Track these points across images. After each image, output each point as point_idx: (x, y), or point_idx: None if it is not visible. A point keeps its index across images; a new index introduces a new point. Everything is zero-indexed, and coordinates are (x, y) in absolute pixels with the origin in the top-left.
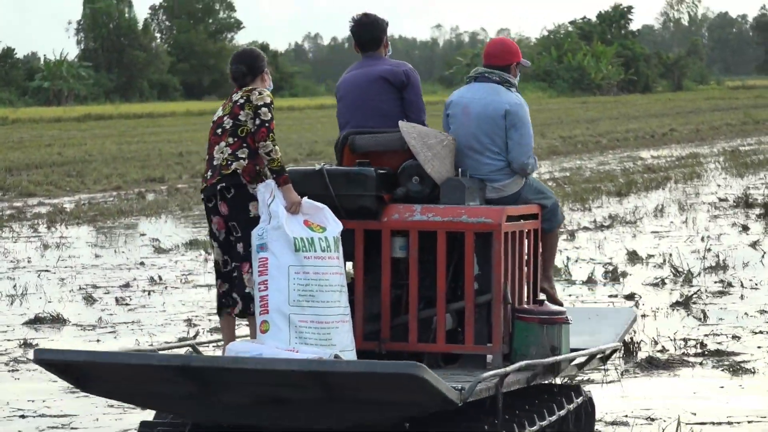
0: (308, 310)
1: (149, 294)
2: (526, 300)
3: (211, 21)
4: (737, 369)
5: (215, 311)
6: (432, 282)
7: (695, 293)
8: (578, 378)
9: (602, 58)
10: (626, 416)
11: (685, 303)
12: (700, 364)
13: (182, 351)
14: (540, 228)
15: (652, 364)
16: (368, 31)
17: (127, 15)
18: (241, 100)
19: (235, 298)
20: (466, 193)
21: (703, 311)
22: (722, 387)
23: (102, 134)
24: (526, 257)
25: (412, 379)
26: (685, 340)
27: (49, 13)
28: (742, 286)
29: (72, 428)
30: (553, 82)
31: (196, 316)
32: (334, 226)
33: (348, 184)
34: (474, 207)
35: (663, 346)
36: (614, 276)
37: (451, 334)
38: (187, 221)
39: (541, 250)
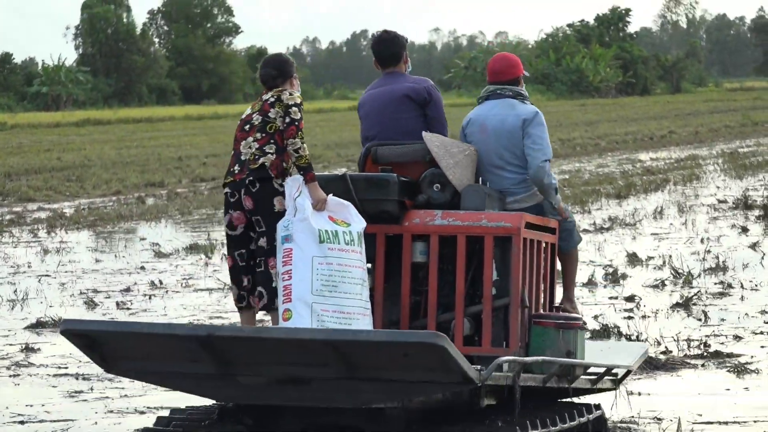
0: (330, 299)
1: (150, 298)
2: (542, 310)
3: (209, 25)
4: (741, 369)
5: (217, 314)
6: (450, 289)
7: (695, 295)
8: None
9: (600, 60)
10: (633, 417)
11: (685, 304)
12: (703, 365)
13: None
14: (557, 245)
15: (656, 365)
16: (388, 48)
17: (125, 20)
18: (272, 99)
19: (261, 291)
20: (487, 200)
21: (704, 312)
22: (728, 389)
23: (101, 139)
24: (543, 271)
25: (432, 348)
26: (688, 341)
27: (47, 18)
28: (742, 287)
29: None
30: (552, 84)
31: (198, 320)
32: (358, 223)
33: (370, 189)
34: (494, 213)
35: (666, 347)
36: (614, 278)
37: (468, 339)
38: (186, 225)
39: (560, 268)
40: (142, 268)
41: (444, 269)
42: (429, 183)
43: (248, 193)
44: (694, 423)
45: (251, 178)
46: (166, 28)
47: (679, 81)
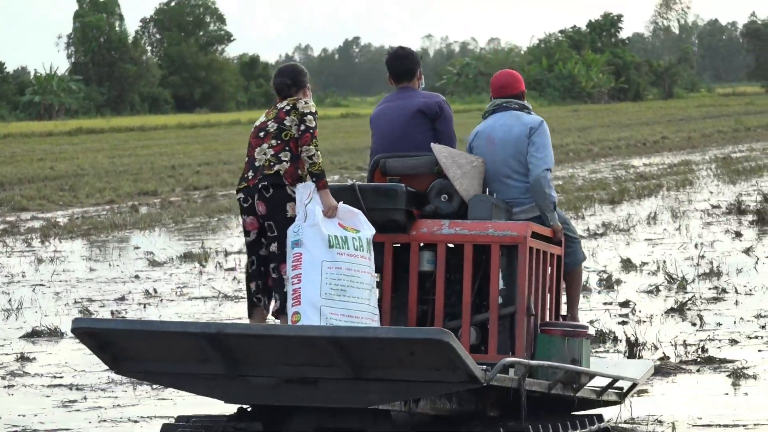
0: (339, 303)
1: (145, 307)
2: (548, 319)
3: (201, 33)
4: (739, 374)
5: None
6: (457, 298)
7: (690, 300)
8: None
9: (593, 66)
10: (633, 419)
11: (680, 309)
12: (699, 370)
13: None
14: (563, 260)
15: (654, 370)
16: (403, 64)
17: (117, 28)
18: (287, 107)
19: (275, 296)
20: (493, 210)
21: (699, 317)
22: (726, 393)
23: (94, 148)
24: (549, 281)
25: (438, 345)
26: (685, 345)
27: (39, 27)
28: (736, 292)
29: None
30: (544, 90)
31: None
32: (368, 230)
33: (379, 199)
34: (500, 222)
35: (663, 352)
36: (608, 284)
37: (474, 348)
38: (180, 234)
39: (565, 285)
40: (137, 276)
41: (451, 278)
42: (437, 193)
43: (261, 198)
44: (693, 426)
45: (265, 183)
46: (158, 36)
47: (671, 86)
